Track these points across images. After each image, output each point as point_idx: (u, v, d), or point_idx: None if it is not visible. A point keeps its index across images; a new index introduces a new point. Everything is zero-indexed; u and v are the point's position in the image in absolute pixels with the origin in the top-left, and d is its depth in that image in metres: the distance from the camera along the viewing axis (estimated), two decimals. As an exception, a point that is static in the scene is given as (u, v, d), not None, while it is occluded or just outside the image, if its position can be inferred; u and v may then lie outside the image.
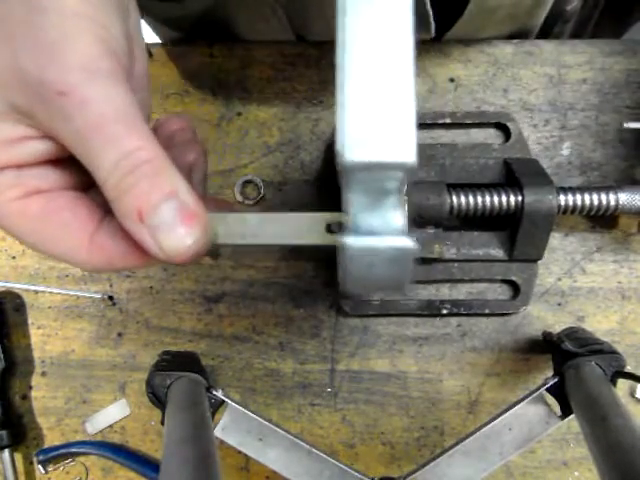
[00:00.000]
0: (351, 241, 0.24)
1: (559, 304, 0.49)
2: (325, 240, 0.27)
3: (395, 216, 0.24)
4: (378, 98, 0.22)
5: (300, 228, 0.27)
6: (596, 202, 0.43)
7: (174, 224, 0.23)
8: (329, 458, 0.42)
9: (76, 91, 0.22)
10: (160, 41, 0.55)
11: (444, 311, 0.48)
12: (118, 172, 0.22)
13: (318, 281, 0.49)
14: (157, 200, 0.23)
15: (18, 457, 0.50)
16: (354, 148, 0.22)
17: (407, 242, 0.24)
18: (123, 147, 0.22)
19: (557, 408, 0.42)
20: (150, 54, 0.50)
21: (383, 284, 0.27)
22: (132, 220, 0.23)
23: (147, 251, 0.24)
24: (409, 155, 0.22)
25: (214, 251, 0.46)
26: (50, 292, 0.50)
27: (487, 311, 0.48)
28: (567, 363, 0.42)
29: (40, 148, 0.24)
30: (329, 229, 0.27)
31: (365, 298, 0.48)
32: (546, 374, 0.49)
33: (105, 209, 0.26)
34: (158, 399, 0.42)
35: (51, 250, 0.25)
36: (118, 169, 0.22)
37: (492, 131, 0.49)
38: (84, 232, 0.25)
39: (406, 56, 0.22)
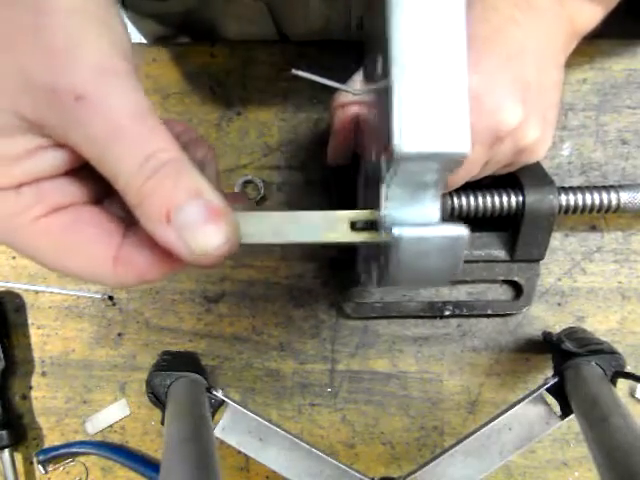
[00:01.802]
0: (404, 232, 0.23)
1: (559, 304, 0.49)
2: (352, 238, 0.26)
3: (433, 210, 0.24)
4: (431, 89, 0.22)
5: (324, 226, 0.26)
6: (597, 202, 0.43)
7: (202, 223, 0.22)
8: (329, 458, 0.42)
9: (94, 94, 0.21)
10: (143, 39, 0.55)
11: (447, 312, 0.48)
12: (141, 176, 0.21)
13: (318, 281, 0.49)
14: (182, 199, 0.21)
15: (18, 457, 0.50)
16: (411, 139, 0.22)
17: (461, 230, 0.24)
18: (145, 149, 0.21)
19: (557, 408, 0.42)
20: None
21: (434, 275, 0.26)
22: (158, 223, 0.22)
23: (174, 254, 0.22)
24: (464, 145, 0.22)
25: None
26: (50, 292, 0.50)
27: (490, 312, 0.48)
28: (567, 363, 0.42)
29: (56, 157, 0.23)
30: (354, 227, 0.26)
31: (366, 300, 0.48)
32: (546, 374, 0.49)
33: (126, 222, 0.25)
34: (158, 399, 0.42)
35: (75, 270, 0.24)
36: (141, 173, 0.21)
37: (492, 131, 0.49)
38: (110, 248, 0.24)
39: (459, 45, 0.22)
